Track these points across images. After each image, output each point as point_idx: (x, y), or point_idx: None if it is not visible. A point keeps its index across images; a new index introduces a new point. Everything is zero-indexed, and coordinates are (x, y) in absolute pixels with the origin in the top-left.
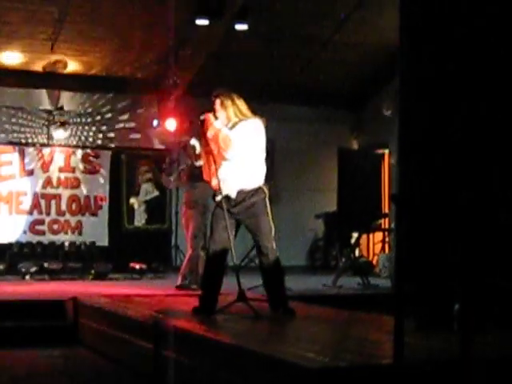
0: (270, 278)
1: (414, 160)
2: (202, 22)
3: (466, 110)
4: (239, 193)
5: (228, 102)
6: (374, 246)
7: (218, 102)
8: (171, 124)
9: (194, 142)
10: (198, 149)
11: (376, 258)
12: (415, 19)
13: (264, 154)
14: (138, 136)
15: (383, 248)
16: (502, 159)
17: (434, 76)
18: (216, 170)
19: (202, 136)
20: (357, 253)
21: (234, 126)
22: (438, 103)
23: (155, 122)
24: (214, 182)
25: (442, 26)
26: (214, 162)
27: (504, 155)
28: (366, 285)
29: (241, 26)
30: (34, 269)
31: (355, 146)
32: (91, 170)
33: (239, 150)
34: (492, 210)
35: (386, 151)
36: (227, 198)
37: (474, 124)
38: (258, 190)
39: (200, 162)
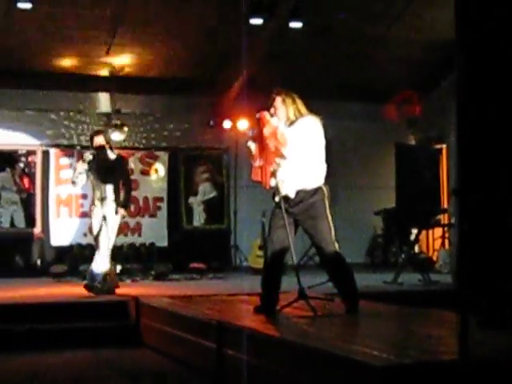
0: (334, 277)
1: (475, 157)
2: (255, 21)
3: None
4: (298, 193)
5: (289, 100)
6: (433, 241)
7: (279, 99)
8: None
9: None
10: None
11: (436, 253)
12: (471, 14)
13: (323, 153)
14: (194, 137)
15: (443, 244)
16: None
17: (494, 73)
18: (274, 170)
19: (257, 134)
20: (416, 249)
21: (291, 123)
22: (498, 99)
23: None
24: (272, 183)
25: (500, 20)
26: (270, 160)
27: None
28: (426, 281)
29: (295, 24)
30: None
31: (412, 141)
32: (149, 172)
33: (297, 147)
34: None
35: (444, 146)
36: (286, 198)
37: None
38: (317, 190)
39: (257, 163)
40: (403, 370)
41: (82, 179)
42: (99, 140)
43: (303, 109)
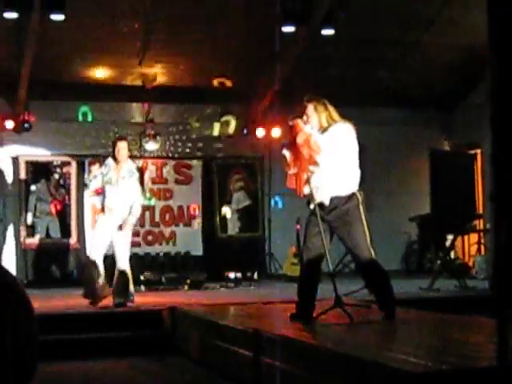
0: (370, 283)
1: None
2: (288, 28)
3: None
4: (332, 200)
5: (321, 107)
6: (469, 247)
7: (310, 106)
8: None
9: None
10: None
11: (472, 259)
12: (505, 18)
13: (357, 159)
14: (228, 145)
15: (479, 250)
16: None
17: None
18: (308, 177)
19: (291, 142)
20: (452, 255)
21: (324, 130)
22: None
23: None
24: (306, 190)
25: None
26: (304, 168)
27: None
28: (463, 287)
29: (327, 31)
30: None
31: (446, 146)
32: (183, 181)
33: (330, 154)
34: None
35: (478, 151)
36: (320, 205)
37: None
38: (351, 197)
39: (292, 171)
40: (441, 376)
41: (96, 183)
42: (122, 145)
43: (335, 115)
